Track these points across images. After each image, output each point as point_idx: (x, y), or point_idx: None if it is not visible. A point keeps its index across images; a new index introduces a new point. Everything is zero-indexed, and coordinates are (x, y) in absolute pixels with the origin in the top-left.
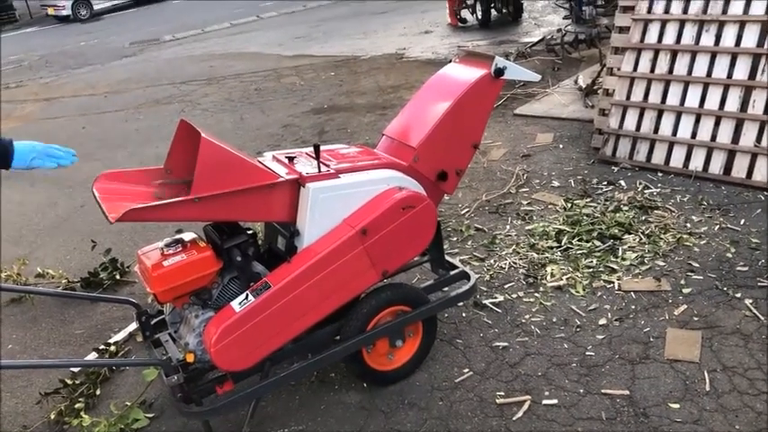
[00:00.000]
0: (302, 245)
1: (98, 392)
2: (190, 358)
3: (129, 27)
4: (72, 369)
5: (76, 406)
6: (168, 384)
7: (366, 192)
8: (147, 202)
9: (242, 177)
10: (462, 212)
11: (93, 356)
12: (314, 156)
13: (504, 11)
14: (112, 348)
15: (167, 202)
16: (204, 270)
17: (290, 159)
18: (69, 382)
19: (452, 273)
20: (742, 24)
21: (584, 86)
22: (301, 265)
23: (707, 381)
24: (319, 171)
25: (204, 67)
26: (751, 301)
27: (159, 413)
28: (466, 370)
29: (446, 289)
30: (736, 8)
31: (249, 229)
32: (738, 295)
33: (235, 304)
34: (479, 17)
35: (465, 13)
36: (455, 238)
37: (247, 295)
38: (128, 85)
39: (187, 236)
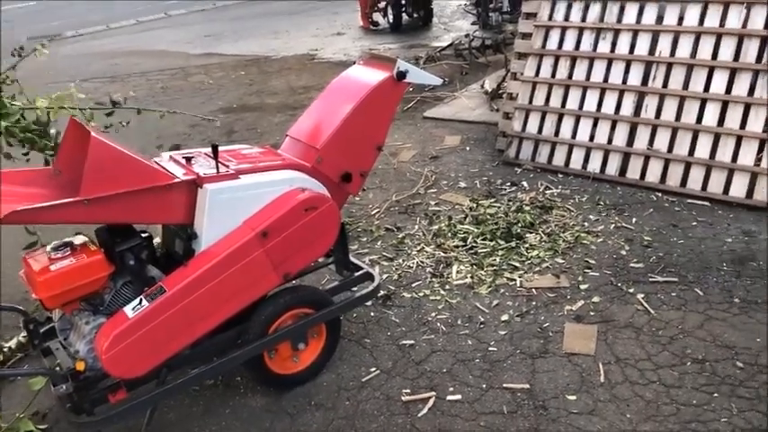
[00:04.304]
0: (200, 248)
1: None
2: (80, 366)
3: (28, 21)
4: None
5: None
6: (56, 394)
7: (267, 193)
8: (34, 203)
9: (135, 178)
10: (372, 213)
11: None
12: (212, 156)
13: (414, 15)
14: None
15: (55, 203)
16: (94, 274)
17: (188, 160)
18: None
19: (357, 274)
20: (635, 33)
21: (489, 90)
22: (198, 269)
23: (601, 372)
24: (218, 172)
25: (108, 65)
26: (643, 295)
27: (53, 423)
28: (373, 369)
29: (355, 289)
30: (630, 17)
31: (144, 231)
32: (631, 290)
33: (128, 310)
34: (391, 21)
35: (377, 17)
36: (365, 239)
37: (141, 300)
38: (23, 83)
39: (77, 239)
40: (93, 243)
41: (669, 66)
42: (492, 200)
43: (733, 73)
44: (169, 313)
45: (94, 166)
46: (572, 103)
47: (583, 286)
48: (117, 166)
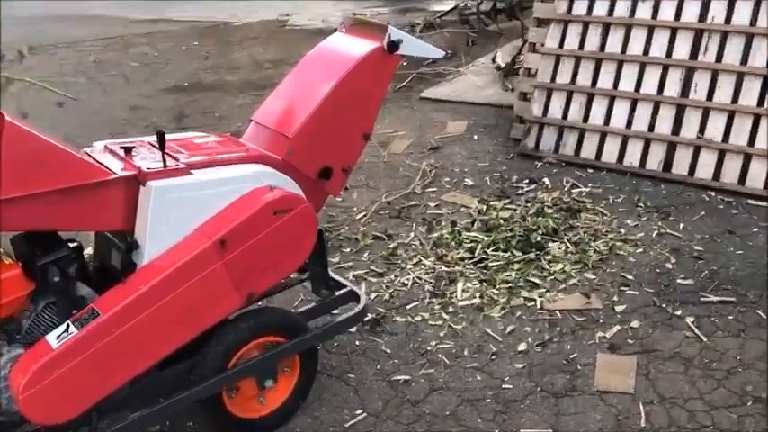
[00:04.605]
0: (142, 261)
1: None
2: None
3: None
4: None
5: None
6: None
7: (227, 192)
8: None
9: (60, 173)
10: (358, 217)
11: None
12: (158, 146)
13: None
14: None
15: None
16: (9, 294)
17: (127, 151)
18: None
19: (339, 293)
20: None
21: (502, 65)
22: (140, 287)
23: (642, 415)
24: (165, 166)
25: (30, 33)
26: (692, 319)
27: None
28: (359, 411)
29: (336, 312)
30: None
31: (73, 240)
32: (679, 313)
33: (51, 338)
34: None
35: None
36: (348, 249)
37: (68, 326)
38: None
39: None
40: (9, 255)
41: (724, 34)
42: (506, 201)
43: None
44: (103, 343)
45: (10, 158)
46: (605, 82)
47: (618, 308)
48: (37, 158)
